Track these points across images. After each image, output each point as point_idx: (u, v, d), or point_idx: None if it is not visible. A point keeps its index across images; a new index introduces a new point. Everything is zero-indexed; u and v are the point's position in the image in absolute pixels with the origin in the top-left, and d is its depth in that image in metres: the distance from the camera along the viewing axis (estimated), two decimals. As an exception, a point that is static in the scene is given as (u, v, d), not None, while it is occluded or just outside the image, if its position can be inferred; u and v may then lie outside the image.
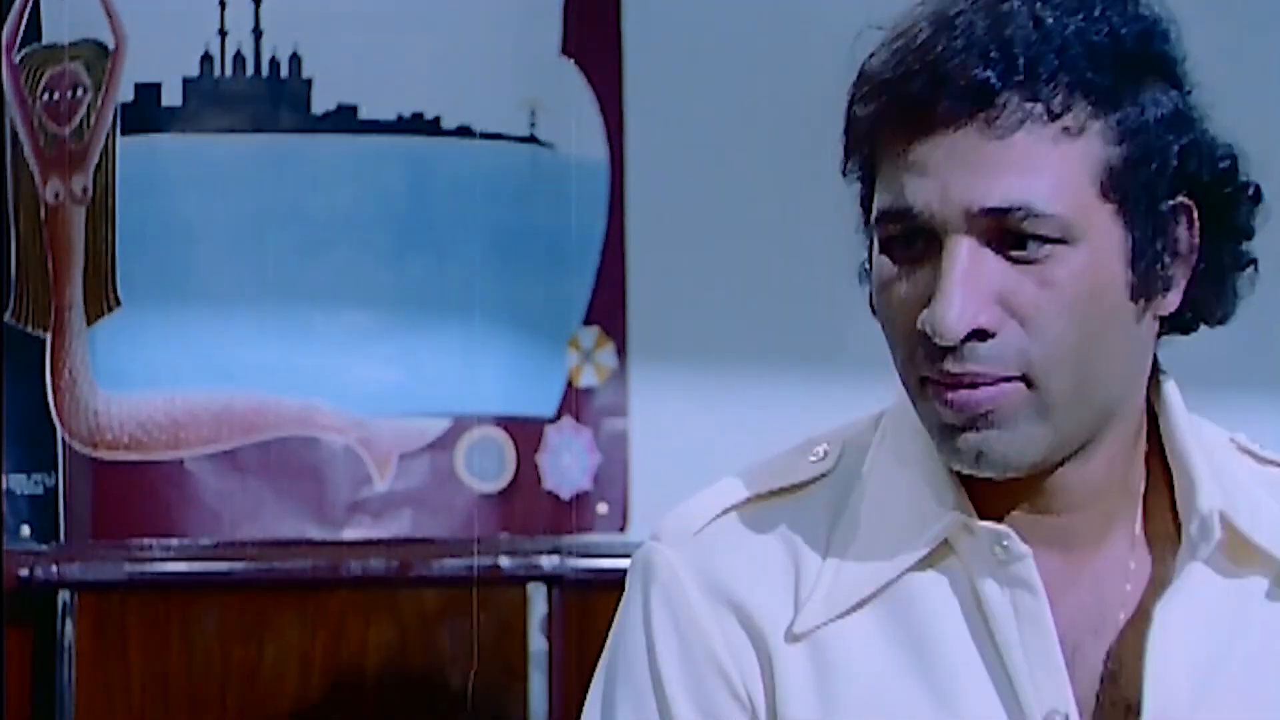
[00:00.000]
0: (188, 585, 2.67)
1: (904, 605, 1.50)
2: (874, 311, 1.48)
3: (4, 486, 2.70)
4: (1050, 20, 1.36)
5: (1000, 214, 1.35)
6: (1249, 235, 1.46)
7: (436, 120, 2.72)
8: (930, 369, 1.38)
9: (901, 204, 1.38)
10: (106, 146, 2.66)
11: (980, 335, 1.36)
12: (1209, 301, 1.45)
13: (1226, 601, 1.49)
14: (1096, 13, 1.38)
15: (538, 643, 2.69)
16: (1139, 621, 1.44)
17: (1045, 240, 1.36)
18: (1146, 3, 1.44)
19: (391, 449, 2.75)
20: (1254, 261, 1.46)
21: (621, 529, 2.82)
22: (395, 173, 2.72)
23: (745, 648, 1.51)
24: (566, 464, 2.81)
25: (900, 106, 1.38)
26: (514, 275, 2.78)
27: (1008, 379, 1.38)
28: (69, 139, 2.66)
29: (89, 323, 2.68)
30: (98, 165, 2.66)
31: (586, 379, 2.82)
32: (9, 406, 2.72)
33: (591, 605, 2.66)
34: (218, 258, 2.70)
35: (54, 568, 2.61)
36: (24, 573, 2.61)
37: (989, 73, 1.34)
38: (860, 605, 1.50)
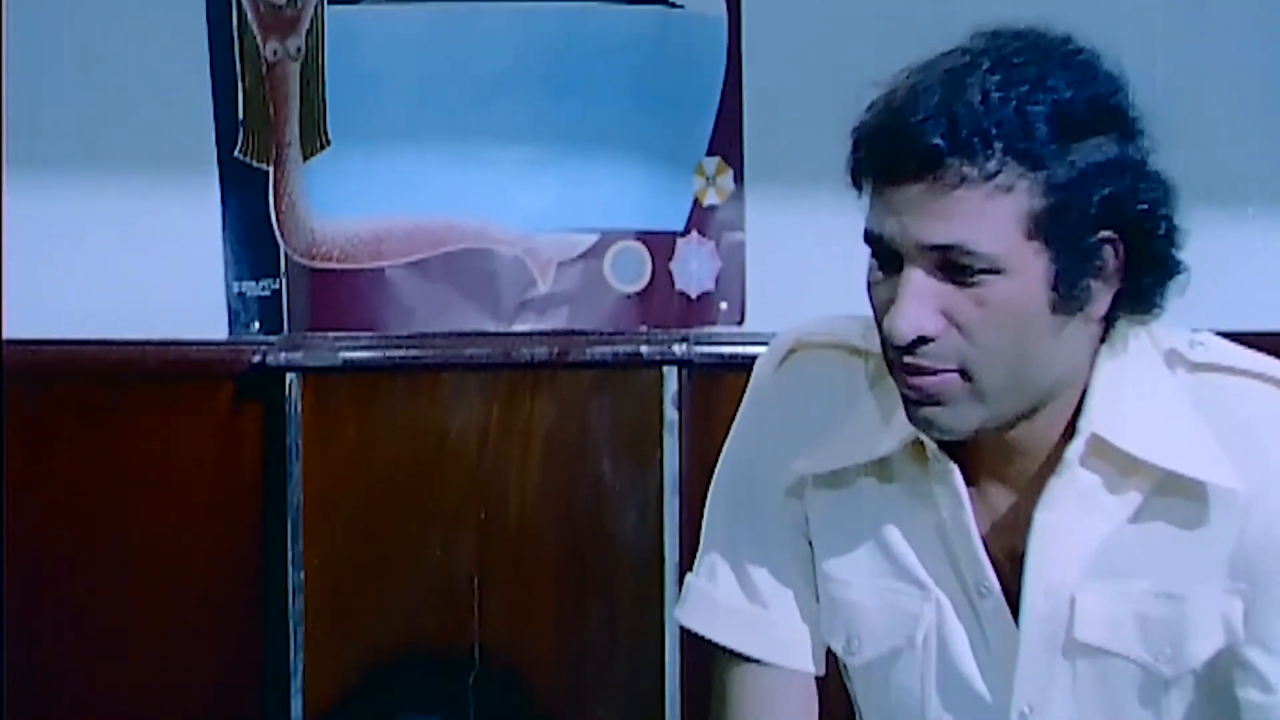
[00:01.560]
0: (388, 369, 2.98)
1: (891, 483, 1.77)
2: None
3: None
4: (997, 95, 1.55)
5: (943, 250, 1.56)
6: (1169, 258, 1.64)
7: (583, -13, 3.01)
8: (894, 356, 1.62)
9: (876, 231, 1.60)
10: (316, 13, 2.95)
11: (925, 339, 1.59)
12: (1134, 306, 1.65)
13: (1112, 508, 1.71)
14: (1049, 82, 1.58)
15: (670, 414, 2.98)
16: None
17: (980, 270, 1.57)
18: (1103, 68, 1.62)
19: (551, 258, 3.06)
20: (1183, 271, 1.64)
21: (739, 322, 3.14)
22: (552, 32, 2.98)
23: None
24: (694, 269, 3.11)
25: (876, 159, 1.60)
26: (650, 115, 3.05)
27: (948, 370, 1.60)
28: (285, 7, 2.97)
29: (304, 159, 3.01)
30: (309, 29, 2.95)
31: (710, 200, 3.11)
32: (240, 226, 3.08)
33: (714, 384, 3.01)
34: (409, 104, 2.97)
35: (282, 355, 2.94)
36: (257, 359, 2.96)
37: (939, 141, 1.54)
38: (848, 471, 1.77)
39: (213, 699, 3.07)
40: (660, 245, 3.12)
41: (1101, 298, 1.60)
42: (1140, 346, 1.66)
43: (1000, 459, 1.69)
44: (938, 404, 1.62)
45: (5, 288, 2.96)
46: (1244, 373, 1.68)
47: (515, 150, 3.04)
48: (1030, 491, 1.70)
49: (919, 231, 1.55)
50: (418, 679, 3.04)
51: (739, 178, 3.12)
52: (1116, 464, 1.66)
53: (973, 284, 1.57)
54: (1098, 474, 1.66)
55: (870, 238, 1.60)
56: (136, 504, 3.04)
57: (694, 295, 3.14)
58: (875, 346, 1.69)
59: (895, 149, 1.55)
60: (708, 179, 3.12)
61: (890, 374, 1.65)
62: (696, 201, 3.12)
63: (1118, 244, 1.59)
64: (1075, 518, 1.68)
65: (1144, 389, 1.66)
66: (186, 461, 3.04)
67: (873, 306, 1.64)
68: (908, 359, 1.60)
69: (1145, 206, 1.58)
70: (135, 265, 3.05)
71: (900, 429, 1.71)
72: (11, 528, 3.00)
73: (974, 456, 1.69)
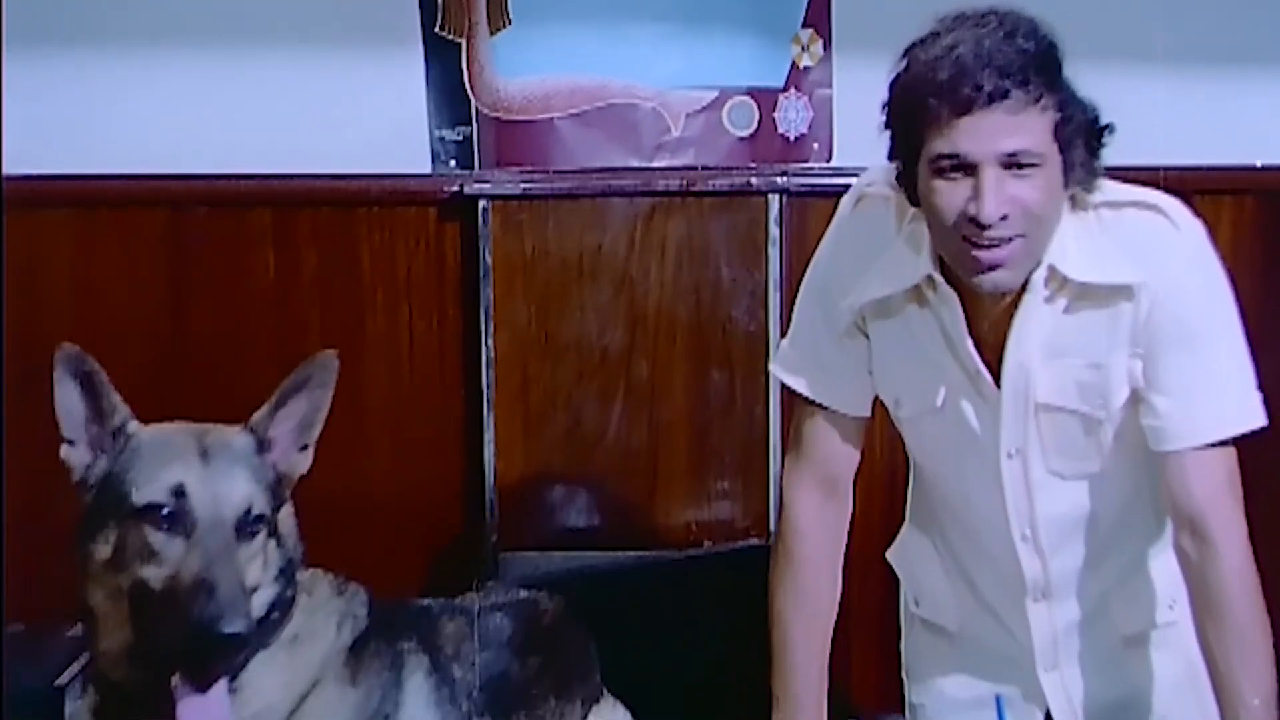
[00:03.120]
0: (556, 195, 3.39)
1: (917, 304, 2.13)
2: (914, 202, 2.04)
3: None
4: (1024, 48, 1.92)
5: (1013, 154, 1.93)
6: (1101, 156, 2.02)
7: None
8: (973, 234, 1.95)
9: (953, 150, 1.93)
10: (502, -84, 3.27)
11: (1004, 217, 1.95)
12: (1084, 183, 2.02)
13: (1052, 310, 2.06)
14: (1037, 35, 1.94)
15: (773, 230, 3.40)
16: None
17: (1031, 165, 1.94)
18: (1045, 26, 1.97)
19: (681, 110, 3.42)
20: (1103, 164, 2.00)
21: (827, 160, 3.47)
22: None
23: None
24: (792, 118, 3.44)
25: (958, 100, 1.90)
26: (757, -5, 3.34)
27: (1013, 239, 1.97)
28: (478, -91, 3.25)
29: (490, 34, 3.35)
30: (496, -72, 3.27)
31: (805, 63, 3.43)
32: (440, 86, 3.38)
33: (807, 207, 3.41)
34: (570, -10, 3.28)
35: (475, 185, 3.36)
36: (456, 189, 3.37)
37: (1007, 82, 1.91)
38: (888, 298, 2.12)
39: (428, 443, 3.49)
40: (766, 99, 3.42)
41: (1079, 176, 2.04)
42: (1071, 203, 2.09)
43: (992, 295, 2.08)
44: (1003, 267, 1.99)
45: (267, 133, 3.36)
46: (1127, 204, 2.09)
47: (653, 26, 3.35)
48: (1008, 310, 2.08)
49: (999, 143, 1.94)
50: (578, 426, 3.46)
51: (828, 45, 3.40)
52: (1057, 281, 2.07)
53: (1027, 175, 1.96)
54: (1048, 289, 2.07)
55: (945, 157, 1.95)
56: (367, 302, 3.45)
57: (792, 138, 3.44)
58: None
59: (977, 89, 1.91)
60: (803, 46, 3.40)
61: (955, 253, 2.01)
62: (794, 64, 3.41)
63: (1085, 143, 2.02)
64: (1033, 318, 2.08)
65: (1076, 230, 2.08)
66: (404, 268, 3.43)
67: (937, 208, 1.99)
68: (989, 234, 1.96)
69: (1094, 118, 2.03)
70: (361, 117, 3.39)
71: (921, 268, 2.08)
72: (273, 323, 3.43)
73: (976, 295, 2.08)
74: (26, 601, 3.32)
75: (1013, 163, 1.93)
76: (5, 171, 3.18)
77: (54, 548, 3.20)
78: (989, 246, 1.96)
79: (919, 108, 1.94)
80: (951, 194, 1.96)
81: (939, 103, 1.92)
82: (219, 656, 1.69)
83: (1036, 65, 1.91)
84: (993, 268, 1.98)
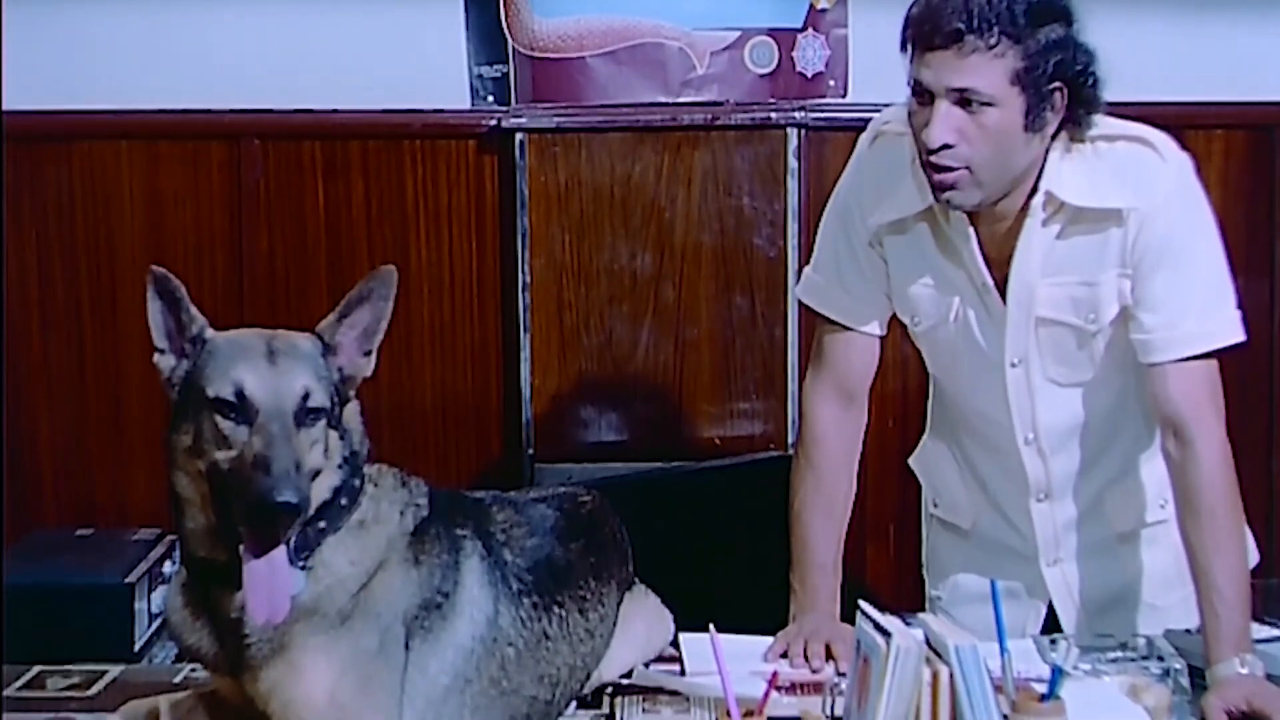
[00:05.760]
0: (589, 129, 3.55)
1: (931, 226, 2.24)
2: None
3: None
4: None
5: (961, 91, 2.04)
6: (1094, 99, 2.09)
7: None
8: (926, 157, 2.09)
9: (919, 78, 2.07)
10: None
11: (947, 146, 2.06)
12: (1071, 128, 2.10)
13: (1048, 232, 2.17)
14: None
15: (792, 162, 3.54)
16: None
17: (981, 104, 2.04)
18: None
19: (706, 48, 3.55)
20: (1101, 106, 2.08)
21: (843, 95, 3.62)
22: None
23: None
24: (810, 56, 3.58)
25: (922, 35, 2.05)
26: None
27: (959, 168, 2.08)
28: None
29: None
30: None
31: (822, 4, 3.58)
32: (479, 27, 3.52)
33: (824, 140, 3.55)
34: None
35: (512, 120, 3.52)
36: (494, 123, 3.53)
37: (960, 25, 2.02)
38: (902, 220, 2.23)
39: (469, 362, 3.63)
40: (785, 39, 3.56)
41: (1053, 122, 2.13)
42: (1067, 136, 2.19)
43: (994, 216, 2.21)
44: (954, 189, 2.11)
45: (317, 70, 3.51)
46: (1119, 137, 2.19)
47: (683, -31, 3.48)
48: (1011, 232, 2.21)
49: (947, 79, 2.07)
50: (609, 346, 3.57)
51: (845, -12, 3.56)
52: (1054, 206, 2.18)
53: (977, 113, 2.07)
54: (1045, 212, 2.18)
55: (917, 83, 2.11)
56: (411, 228, 3.60)
57: (810, 75, 3.59)
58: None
59: (934, 29, 2.06)
60: (823, -10, 3.55)
61: (924, 170, 2.14)
62: (811, 6, 3.56)
63: (1063, 91, 2.10)
64: (1033, 239, 2.20)
65: (1072, 161, 2.19)
66: (446, 197, 3.58)
67: (912, 128, 2.14)
68: (934, 159, 2.09)
69: (1080, 68, 2.10)
70: (405, 56, 3.55)
71: (929, 197, 2.21)
72: (324, 247, 3.56)
73: (981, 215, 2.22)
74: (98, 509, 3.56)
75: (964, 99, 2.05)
76: (79, 106, 3.39)
77: (121, 462, 3.56)
78: (940, 170, 2.08)
79: (903, 40, 2.10)
80: (917, 117, 2.09)
81: (911, 37, 2.08)
82: (276, 524, 1.84)
83: (1010, 16, 2.02)
84: (945, 188, 2.10)
